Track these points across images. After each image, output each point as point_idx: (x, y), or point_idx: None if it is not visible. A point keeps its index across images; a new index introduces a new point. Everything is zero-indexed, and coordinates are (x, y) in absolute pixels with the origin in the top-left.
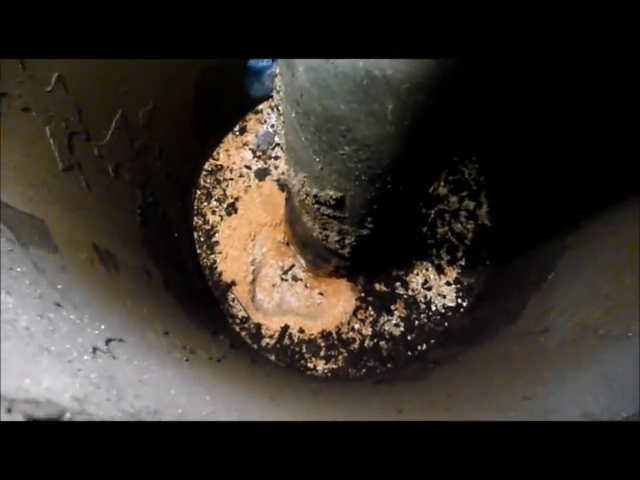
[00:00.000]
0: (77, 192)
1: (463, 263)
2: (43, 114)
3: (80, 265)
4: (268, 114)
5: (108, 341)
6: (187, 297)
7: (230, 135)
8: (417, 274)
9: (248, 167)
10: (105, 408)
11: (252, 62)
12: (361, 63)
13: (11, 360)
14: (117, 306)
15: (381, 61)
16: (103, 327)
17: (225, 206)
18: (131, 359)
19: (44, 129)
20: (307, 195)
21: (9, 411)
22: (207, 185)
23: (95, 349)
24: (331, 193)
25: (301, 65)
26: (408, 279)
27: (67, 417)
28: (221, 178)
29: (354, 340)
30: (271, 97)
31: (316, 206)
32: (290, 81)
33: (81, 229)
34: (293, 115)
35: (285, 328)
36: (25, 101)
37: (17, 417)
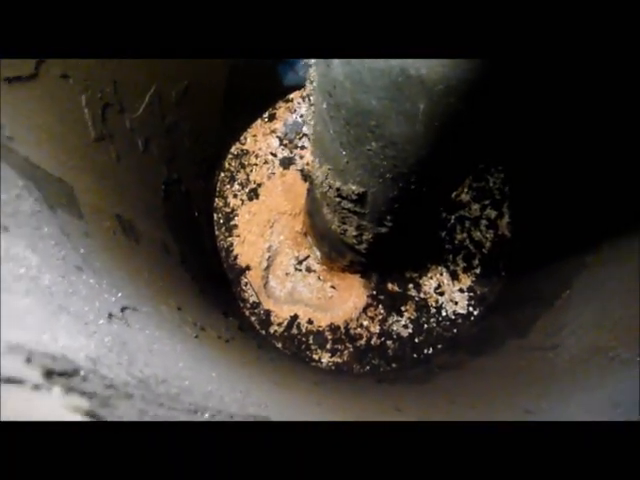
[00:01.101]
0: (106, 162)
1: (478, 271)
2: (80, 83)
3: (103, 233)
4: (299, 104)
5: (123, 309)
6: (202, 276)
7: (259, 121)
8: (431, 278)
9: (274, 154)
10: (116, 371)
11: None
12: (397, 60)
13: (31, 316)
14: (134, 276)
15: (417, 60)
16: (120, 295)
17: (247, 191)
18: (143, 328)
19: (80, 97)
20: (330, 187)
21: (29, 361)
22: (231, 168)
23: (110, 315)
24: (354, 188)
25: None
26: (421, 282)
27: (81, 374)
28: (246, 163)
29: (361, 336)
30: (303, 87)
31: (337, 199)
32: (324, 72)
33: (107, 199)
34: (324, 106)
35: (294, 317)
36: (64, 67)
37: (35, 369)
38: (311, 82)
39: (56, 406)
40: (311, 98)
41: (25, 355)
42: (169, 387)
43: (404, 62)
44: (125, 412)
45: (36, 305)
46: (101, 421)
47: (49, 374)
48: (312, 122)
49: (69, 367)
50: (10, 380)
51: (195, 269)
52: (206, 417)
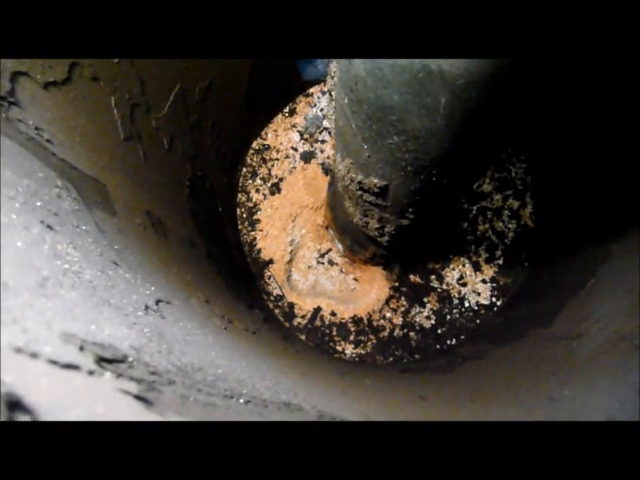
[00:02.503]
0: (135, 161)
1: (501, 262)
2: (110, 84)
3: (134, 229)
4: (318, 98)
5: (157, 302)
6: (227, 270)
7: (280, 116)
8: (453, 269)
9: (294, 149)
10: (157, 359)
11: None
12: None
13: (78, 308)
14: (165, 270)
15: None
16: (153, 288)
17: (269, 185)
18: (177, 320)
19: (110, 99)
20: (352, 181)
21: (81, 349)
22: (253, 163)
23: (147, 307)
24: (376, 181)
25: None
26: (444, 273)
27: (128, 360)
28: (267, 157)
29: (384, 328)
30: (323, 81)
31: (359, 192)
32: (346, 68)
33: (137, 196)
34: (346, 102)
35: (317, 310)
36: (95, 70)
37: (88, 356)
38: (332, 77)
39: (109, 389)
40: (332, 93)
41: (78, 344)
42: (205, 375)
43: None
44: (169, 396)
45: (81, 298)
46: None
47: (101, 361)
48: (334, 117)
49: (117, 355)
50: (69, 366)
51: (220, 263)
52: (241, 402)
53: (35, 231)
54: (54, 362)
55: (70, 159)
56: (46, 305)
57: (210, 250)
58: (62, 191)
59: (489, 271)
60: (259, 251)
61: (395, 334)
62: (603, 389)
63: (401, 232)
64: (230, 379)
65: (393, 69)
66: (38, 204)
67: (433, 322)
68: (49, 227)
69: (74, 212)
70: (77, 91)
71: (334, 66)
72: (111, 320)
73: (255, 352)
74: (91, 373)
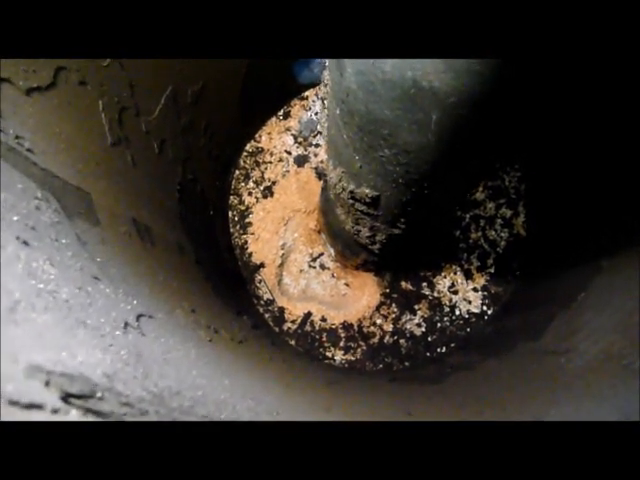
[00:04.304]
0: (122, 167)
1: (492, 271)
2: (97, 88)
3: (119, 238)
4: (313, 102)
5: (139, 317)
6: (216, 275)
7: (274, 119)
8: (445, 277)
9: (288, 152)
10: (131, 386)
11: None
12: (409, 73)
13: (50, 332)
14: (150, 281)
15: (429, 73)
16: (135, 302)
17: (262, 188)
18: (158, 337)
19: (97, 103)
20: (343, 190)
21: (47, 384)
22: (246, 166)
23: (126, 324)
24: (367, 191)
25: (350, 67)
26: (435, 281)
27: (97, 395)
28: (260, 160)
29: (374, 334)
30: (318, 85)
31: (351, 201)
32: (338, 80)
33: (122, 203)
34: (337, 112)
35: (308, 315)
36: (82, 75)
37: (53, 392)
38: (325, 85)
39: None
40: (325, 101)
41: (44, 378)
42: (183, 400)
43: (416, 74)
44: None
45: (54, 321)
46: (105, 421)
47: (67, 397)
48: (326, 124)
49: (86, 388)
50: (32, 405)
51: (209, 268)
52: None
53: (9, 249)
54: (15, 403)
55: (52, 168)
56: (14, 333)
57: (199, 255)
58: (42, 203)
59: (480, 279)
60: (250, 255)
61: (385, 341)
62: (589, 411)
63: (392, 241)
64: (209, 402)
65: (384, 84)
66: (15, 219)
67: (423, 329)
68: (25, 243)
69: (53, 225)
70: (62, 96)
71: (327, 74)
72: (85, 344)
73: (240, 366)
74: (55, 412)
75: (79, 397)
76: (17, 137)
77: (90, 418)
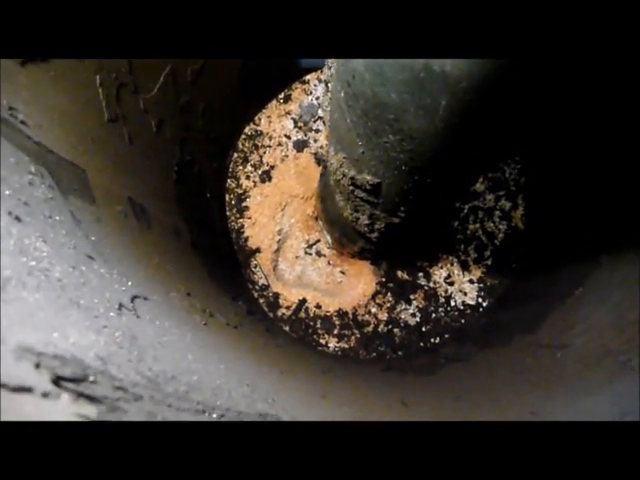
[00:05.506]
0: (119, 144)
1: (489, 263)
2: (95, 62)
3: (114, 217)
4: (315, 86)
5: (133, 298)
6: (212, 259)
7: (274, 102)
8: (441, 267)
9: (287, 136)
10: (125, 370)
11: None
12: None
13: (42, 312)
14: (145, 262)
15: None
16: (130, 283)
17: (260, 172)
18: (153, 319)
19: (94, 77)
20: (344, 176)
21: (37, 366)
22: (245, 149)
23: (121, 305)
24: (368, 178)
25: None
26: (431, 271)
27: (90, 379)
28: (259, 144)
29: (369, 323)
30: (320, 68)
31: (351, 188)
32: (344, 61)
33: (119, 182)
34: (342, 95)
35: (303, 301)
36: None
37: (44, 374)
38: (329, 68)
39: (64, 415)
40: (329, 84)
41: (34, 360)
42: (178, 385)
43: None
44: (133, 416)
45: (46, 300)
46: (107, 421)
47: (58, 380)
48: (329, 109)
49: (78, 371)
50: (20, 388)
51: (205, 252)
52: (214, 417)
53: (1, 224)
54: (3, 385)
55: (47, 142)
56: (4, 312)
57: (195, 238)
58: (35, 178)
59: (477, 271)
60: (246, 239)
61: (379, 329)
62: (585, 407)
63: (391, 230)
64: (205, 388)
65: (393, 66)
66: (7, 193)
67: (418, 319)
68: (17, 218)
69: (47, 201)
70: (58, 69)
71: None
72: (78, 325)
73: (235, 350)
74: (45, 395)
75: (71, 380)
76: (10, 108)
77: (82, 402)
